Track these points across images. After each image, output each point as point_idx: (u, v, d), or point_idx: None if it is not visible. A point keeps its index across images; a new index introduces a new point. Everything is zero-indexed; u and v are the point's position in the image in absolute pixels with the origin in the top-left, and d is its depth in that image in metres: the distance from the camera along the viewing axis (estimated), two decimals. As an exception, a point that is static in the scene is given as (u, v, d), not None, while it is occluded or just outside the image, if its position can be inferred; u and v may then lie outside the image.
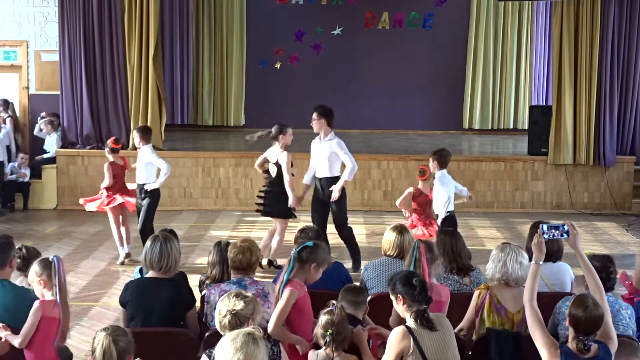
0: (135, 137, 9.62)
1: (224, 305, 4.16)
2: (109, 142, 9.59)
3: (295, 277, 4.83)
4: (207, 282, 5.60)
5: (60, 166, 12.60)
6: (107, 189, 9.34)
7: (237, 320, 4.06)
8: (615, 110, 12.86)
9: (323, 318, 4.36)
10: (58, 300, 4.75)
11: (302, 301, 4.78)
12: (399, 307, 4.43)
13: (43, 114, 13.03)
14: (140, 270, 5.72)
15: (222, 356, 3.41)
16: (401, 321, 4.64)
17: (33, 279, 4.89)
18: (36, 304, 4.73)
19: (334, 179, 8.91)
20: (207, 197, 12.78)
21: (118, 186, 9.36)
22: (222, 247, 5.62)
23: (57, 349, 4.84)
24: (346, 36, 16.39)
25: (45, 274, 4.82)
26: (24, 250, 5.44)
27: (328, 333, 4.29)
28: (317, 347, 4.51)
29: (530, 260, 4.66)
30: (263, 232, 11.02)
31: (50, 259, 4.86)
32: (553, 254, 5.75)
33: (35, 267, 4.88)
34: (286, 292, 4.71)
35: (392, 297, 4.48)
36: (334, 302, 4.45)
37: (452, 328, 4.46)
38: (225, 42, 17.19)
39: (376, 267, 5.92)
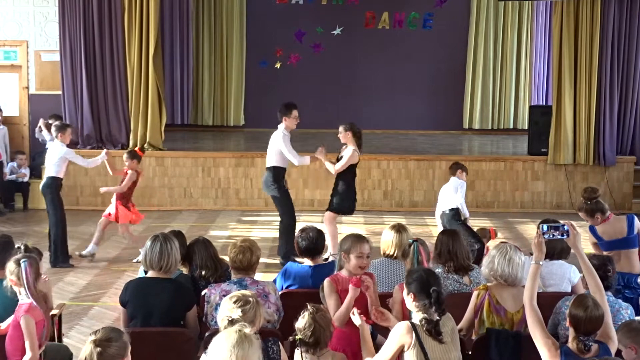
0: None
1: (224, 309, 4.20)
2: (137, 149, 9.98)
3: (341, 270, 5.15)
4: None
5: (60, 166, 12.58)
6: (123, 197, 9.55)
7: None
8: (615, 110, 12.85)
9: (296, 323, 4.38)
10: (33, 302, 4.76)
11: (344, 295, 4.89)
12: (408, 300, 4.40)
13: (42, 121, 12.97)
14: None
15: (216, 355, 3.46)
16: (404, 313, 4.68)
17: (8, 276, 4.95)
18: (24, 318, 4.70)
19: None
20: (207, 197, 12.77)
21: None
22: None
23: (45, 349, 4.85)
24: (346, 36, 16.39)
25: (14, 275, 4.86)
26: (22, 248, 5.44)
27: (297, 338, 4.30)
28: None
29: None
30: (263, 231, 11.05)
31: (20, 262, 4.87)
32: (555, 253, 5.79)
33: (9, 265, 4.93)
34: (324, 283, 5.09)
35: (405, 288, 4.44)
36: (308, 305, 4.45)
37: (456, 329, 4.45)
38: (225, 42, 17.18)
39: (376, 268, 5.91)
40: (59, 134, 9.25)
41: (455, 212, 9.07)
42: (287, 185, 9.43)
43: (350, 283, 4.82)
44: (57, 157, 9.22)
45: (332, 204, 9.22)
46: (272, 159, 9.33)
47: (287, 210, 9.30)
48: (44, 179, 9.39)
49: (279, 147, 9.21)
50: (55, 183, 9.25)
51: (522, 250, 5.27)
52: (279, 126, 9.32)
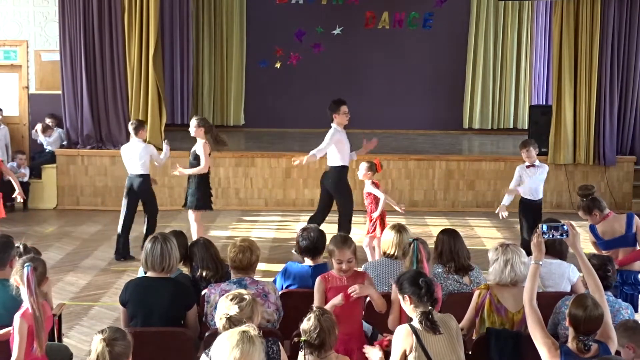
0: None
1: (221, 307, 4.20)
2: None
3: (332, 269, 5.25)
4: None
5: (60, 166, 12.59)
6: None
7: (231, 324, 4.07)
8: (615, 110, 12.86)
9: (301, 325, 4.37)
10: (29, 308, 4.75)
11: (334, 292, 4.98)
12: (406, 306, 4.43)
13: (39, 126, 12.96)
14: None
15: (219, 355, 3.46)
16: (401, 322, 4.67)
17: (14, 275, 4.93)
18: (18, 319, 4.69)
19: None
20: (207, 197, 12.75)
21: None
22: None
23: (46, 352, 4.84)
24: (346, 36, 16.38)
25: (17, 275, 4.84)
26: (21, 248, 5.44)
27: (301, 340, 4.30)
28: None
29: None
30: (263, 231, 11.04)
31: (24, 265, 4.85)
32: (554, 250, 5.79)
33: (17, 264, 4.92)
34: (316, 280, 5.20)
35: (400, 297, 4.48)
36: (314, 307, 4.45)
37: (459, 329, 4.45)
38: (225, 42, 17.18)
39: (376, 267, 5.92)
40: (140, 132, 9.54)
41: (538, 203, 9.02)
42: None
43: (343, 293, 4.91)
44: (145, 155, 9.48)
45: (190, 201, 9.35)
46: (333, 159, 9.37)
47: (346, 203, 9.40)
48: (138, 178, 9.48)
49: (330, 143, 9.24)
50: (149, 179, 9.58)
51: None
52: (332, 125, 9.32)
